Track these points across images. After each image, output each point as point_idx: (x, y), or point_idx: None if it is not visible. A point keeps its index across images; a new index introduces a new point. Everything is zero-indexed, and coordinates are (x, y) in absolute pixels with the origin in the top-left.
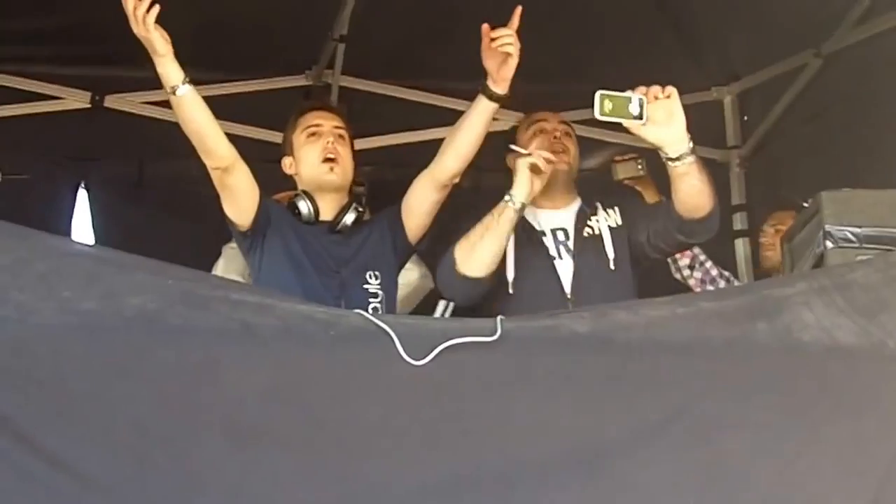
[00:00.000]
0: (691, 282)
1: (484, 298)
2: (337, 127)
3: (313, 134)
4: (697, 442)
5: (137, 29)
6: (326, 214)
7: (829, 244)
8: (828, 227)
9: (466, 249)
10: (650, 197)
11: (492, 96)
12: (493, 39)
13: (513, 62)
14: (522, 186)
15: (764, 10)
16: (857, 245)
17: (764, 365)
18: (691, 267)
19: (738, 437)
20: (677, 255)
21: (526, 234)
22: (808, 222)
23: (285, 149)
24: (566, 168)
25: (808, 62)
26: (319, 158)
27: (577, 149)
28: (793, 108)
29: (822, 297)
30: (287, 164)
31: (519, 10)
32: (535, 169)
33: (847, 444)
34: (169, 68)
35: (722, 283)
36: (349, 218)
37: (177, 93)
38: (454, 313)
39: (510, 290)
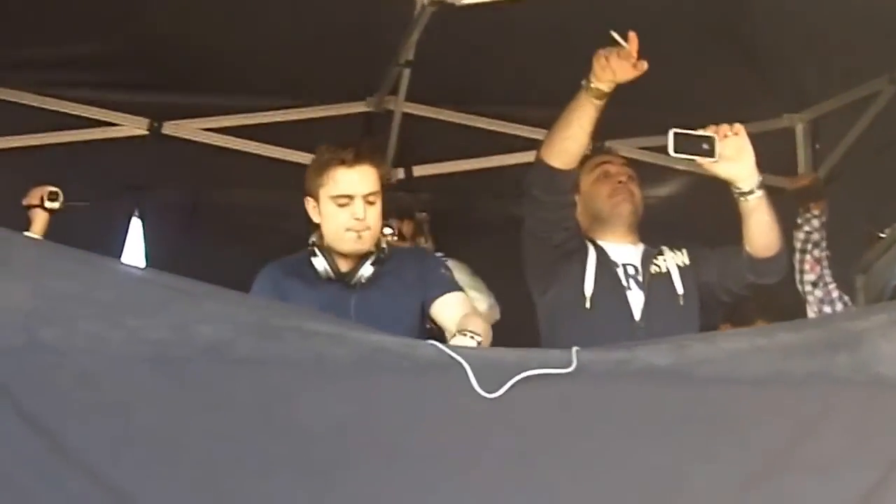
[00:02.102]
0: (810, 298)
1: (563, 312)
2: (368, 195)
3: (342, 205)
4: (773, 478)
5: None
6: (345, 266)
7: None
8: None
9: (548, 136)
10: (817, 208)
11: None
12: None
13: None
14: (598, 70)
15: (837, 35)
16: None
17: (843, 399)
18: (815, 284)
19: (811, 474)
20: (805, 268)
21: (603, 261)
22: (885, 253)
23: (309, 189)
24: (631, 209)
25: (882, 89)
26: (346, 226)
27: (640, 192)
28: (866, 135)
29: None
30: (310, 206)
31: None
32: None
33: None
34: None
35: (839, 306)
36: (366, 272)
37: None
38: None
39: (587, 305)
